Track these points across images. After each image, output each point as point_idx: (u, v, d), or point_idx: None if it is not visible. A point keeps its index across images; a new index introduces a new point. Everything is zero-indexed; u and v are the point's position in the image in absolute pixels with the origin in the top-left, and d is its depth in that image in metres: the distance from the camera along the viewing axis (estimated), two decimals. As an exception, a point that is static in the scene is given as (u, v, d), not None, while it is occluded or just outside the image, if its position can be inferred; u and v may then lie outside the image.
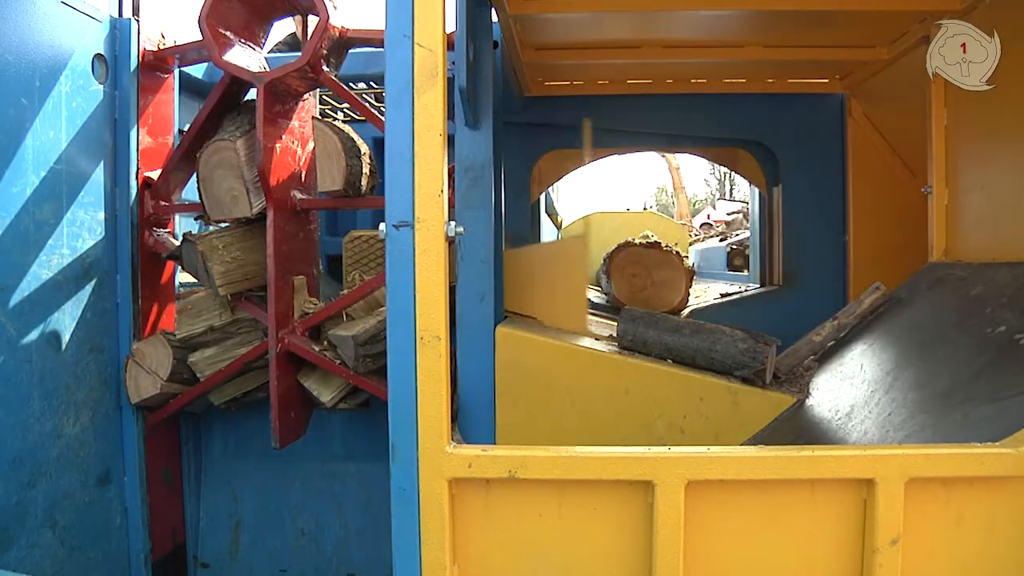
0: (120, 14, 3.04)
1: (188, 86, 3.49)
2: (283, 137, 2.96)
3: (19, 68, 2.53)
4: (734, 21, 3.08)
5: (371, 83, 3.76)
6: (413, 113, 1.62)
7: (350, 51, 3.05)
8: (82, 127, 2.84)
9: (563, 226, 8.38)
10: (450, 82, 1.80)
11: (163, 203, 3.16)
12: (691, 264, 4.16)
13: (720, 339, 2.66)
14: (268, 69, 2.91)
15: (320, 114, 3.34)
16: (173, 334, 3.07)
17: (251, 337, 3.15)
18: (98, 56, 2.91)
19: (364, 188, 3.07)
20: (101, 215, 2.96)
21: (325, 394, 3.03)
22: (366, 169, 3.07)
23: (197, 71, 3.54)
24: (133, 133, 3.06)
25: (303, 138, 3.11)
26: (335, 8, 2.84)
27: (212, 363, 3.06)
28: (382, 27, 1.67)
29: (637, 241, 4.07)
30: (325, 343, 3.03)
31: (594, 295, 4.95)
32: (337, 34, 2.87)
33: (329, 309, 2.99)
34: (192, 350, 3.07)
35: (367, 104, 3.20)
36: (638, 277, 3.87)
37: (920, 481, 1.58)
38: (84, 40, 2.84)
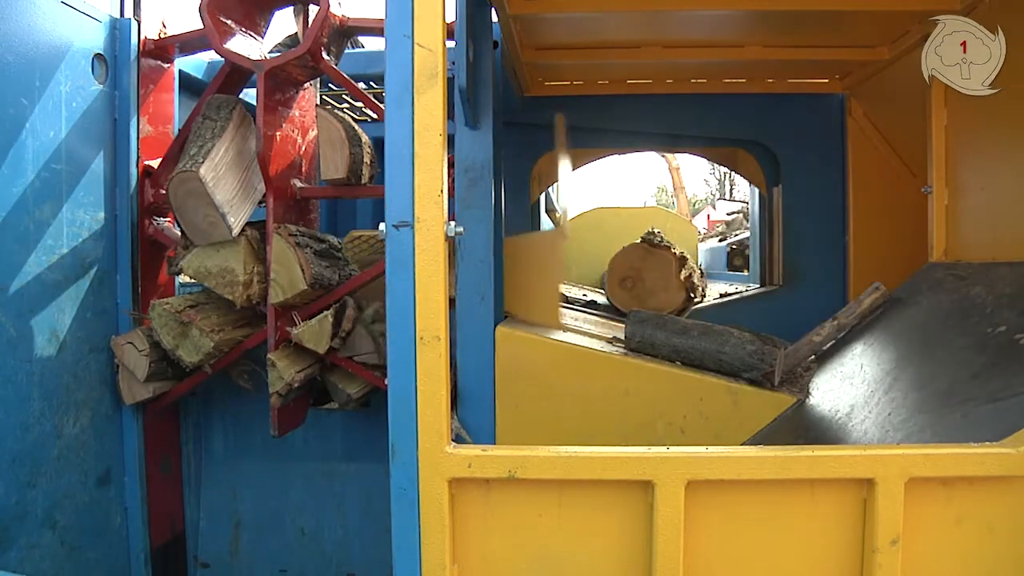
0: (121, 14, 3.04)
1: (188, 86, 3.49)
2: (283, 126, 2.96)
3: (19, 68, 2.54)
4: (734, 21, 3.08)
5: (371, 83, 3.77)
6: (413, 113, 1.63)
7: (350, 52, 3.06)
8: (82, 127, 2.84)
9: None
10: (450, 82, 1.80)
11: (163, 191, 3.15)
12: (699, 262, 3.84)
13: (729, 341, 2.66)
14: (269, 58, 2.91)
15: (320, 109, 3.34)
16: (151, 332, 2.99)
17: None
18: (98, 56, 2.91)
19: (365, 177, 3.08)
20: (101, 215, 2.96)
21: (352, 387, 3.05)
22: (367, 158, 3.08)
23: (197, 71, 3.54)
24: (133, 133, 3.05)
25: (303, 127, 3.11)
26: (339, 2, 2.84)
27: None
28: (382, 16, 1.67)
29: (625, 245, 3.88)
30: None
31: (600, 297, 4.94)
32: (337, 23, 2.88)
33: (326, 300, 2.99)
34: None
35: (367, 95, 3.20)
36: (629, 280, 3.71)
37: (920, 481, 1.58)
38: (84, 40, 2.84)
